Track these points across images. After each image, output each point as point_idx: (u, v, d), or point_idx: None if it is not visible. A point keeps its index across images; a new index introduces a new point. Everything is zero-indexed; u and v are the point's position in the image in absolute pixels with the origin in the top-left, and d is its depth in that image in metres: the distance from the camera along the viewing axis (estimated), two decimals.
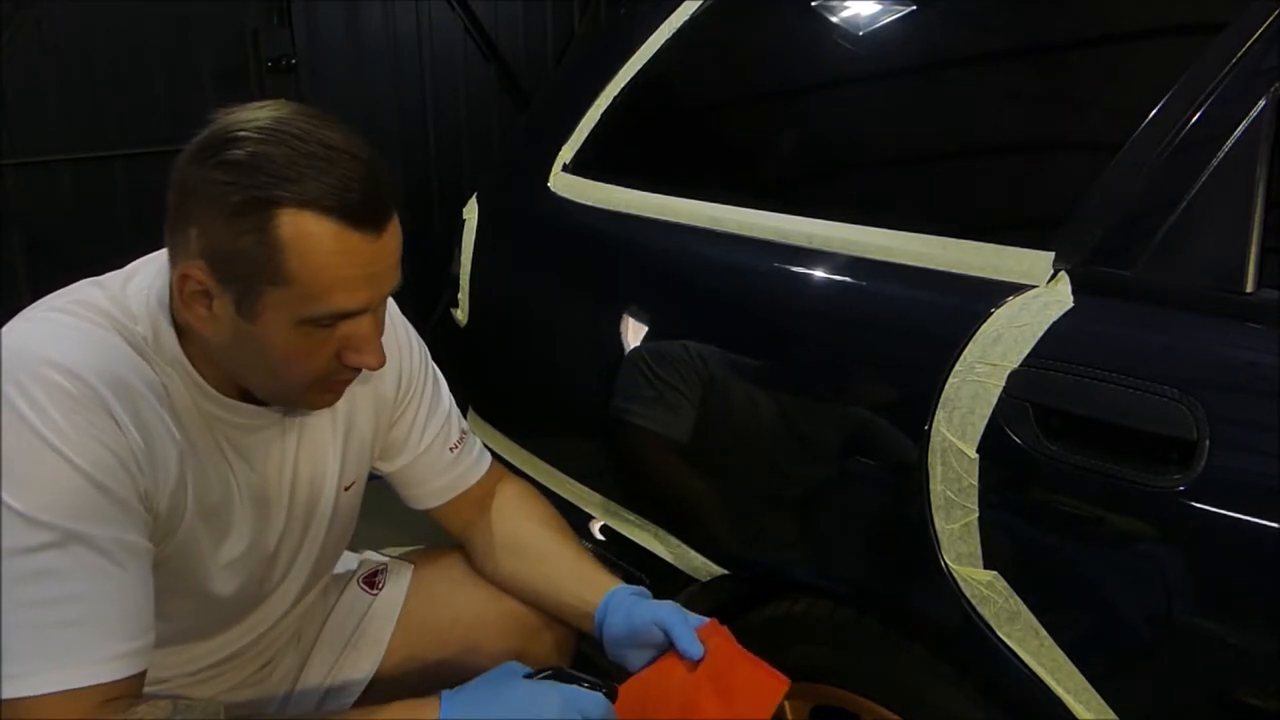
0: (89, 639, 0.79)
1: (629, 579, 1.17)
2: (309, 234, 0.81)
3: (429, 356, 1.17)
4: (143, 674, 0.83)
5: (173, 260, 0.86)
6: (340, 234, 0.81)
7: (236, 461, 0.96)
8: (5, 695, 0.76)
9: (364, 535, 1.32)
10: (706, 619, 1.01)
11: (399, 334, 1.12)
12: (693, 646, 0.97)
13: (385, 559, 1.26)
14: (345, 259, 0.82)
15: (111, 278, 0.93)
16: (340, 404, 1.01)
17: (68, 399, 0.79)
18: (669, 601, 1.03)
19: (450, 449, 1.17)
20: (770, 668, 0.98)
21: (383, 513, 1.27)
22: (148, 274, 0.92)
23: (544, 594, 1.13)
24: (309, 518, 1.05)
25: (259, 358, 0.87)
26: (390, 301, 1.09)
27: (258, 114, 0.83)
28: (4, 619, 0.76)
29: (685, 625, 0.99)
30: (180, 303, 0.86)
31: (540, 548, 1.15)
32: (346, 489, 1.09)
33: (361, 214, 0.82)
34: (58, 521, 0.77)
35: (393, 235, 0.86)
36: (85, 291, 0.90)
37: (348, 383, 0.94)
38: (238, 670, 1.10)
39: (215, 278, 0.83)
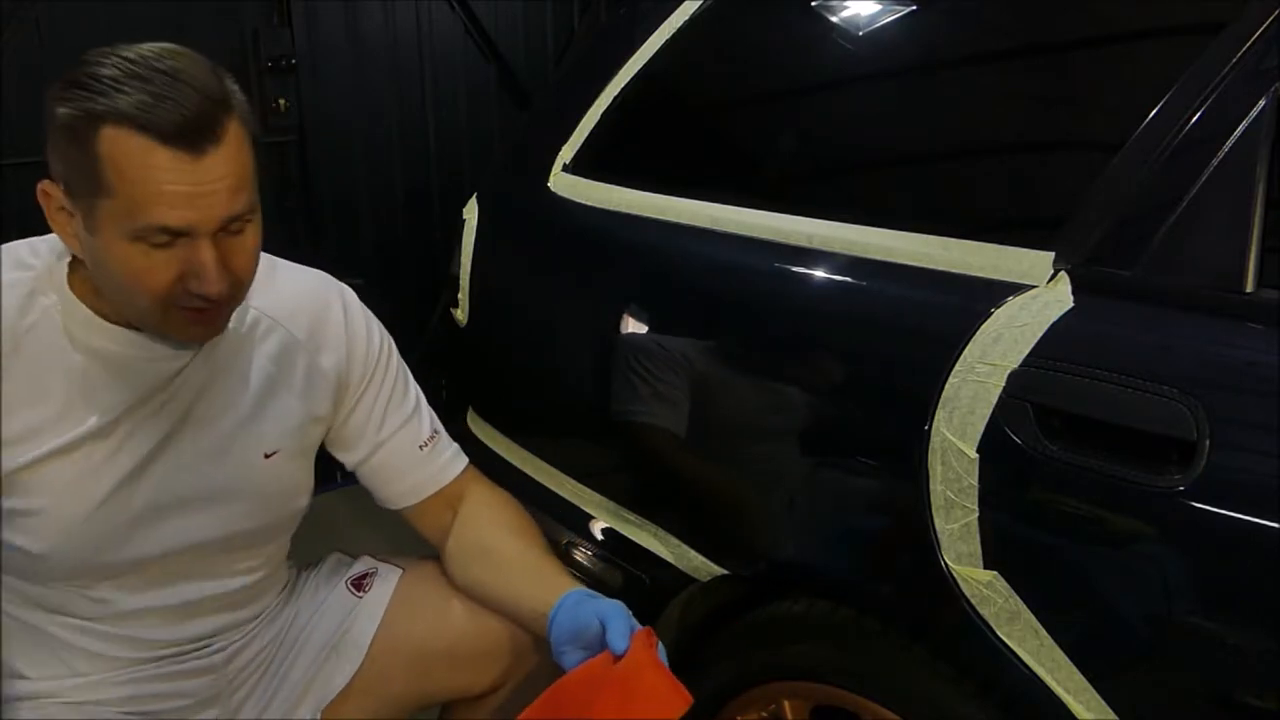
0: None
1: (629, 579, 1.17)
2: (122, 149, 0.84)
3: (395, 351, 1.19)
4: None
5: None
6: (150, 149, 0.84)
7: (120, 390, 0.97)
8: None
9: (350, 540, 1.33)
10: (644, 627, 1.01)
11: (355, 321, 1.14)
12: (620, 641, 0.97)
13: (377, 564, 1.25)
14: (159, 174, 0.85)
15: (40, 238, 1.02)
16: (263, 366, 1.06)
17: None
18: (616, 601, 1.03)
19: (420, 446, 1.17)
20: (679, 684, 0.97)
21: (370, 520, 1.27)
22: None
23: (505, 600, 1.13)
24: (211, 469, 1.04)
25: (109, 275, 0.91)
26: (349, 291, 1.15)
27: (125, 47, 0.89)
28: None
29: (622, 620, 1.00)
30: (52, 219, 0.92)
31: (505, 554, 1.15)
32: (267, 456, 1.08)
33: (173, 132, 0.84)
34: None
35: (221, 160, 0.87)
36: (11, 244, 1.00)
37: (204, 314, 0.93)
38: (177, 635, 1.09)
39: (65, 193, 0.89)
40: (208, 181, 0.87)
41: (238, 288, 0.94)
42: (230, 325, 1.00)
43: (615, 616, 1.00)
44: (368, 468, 1.17)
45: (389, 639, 1.18)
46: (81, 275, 0.96)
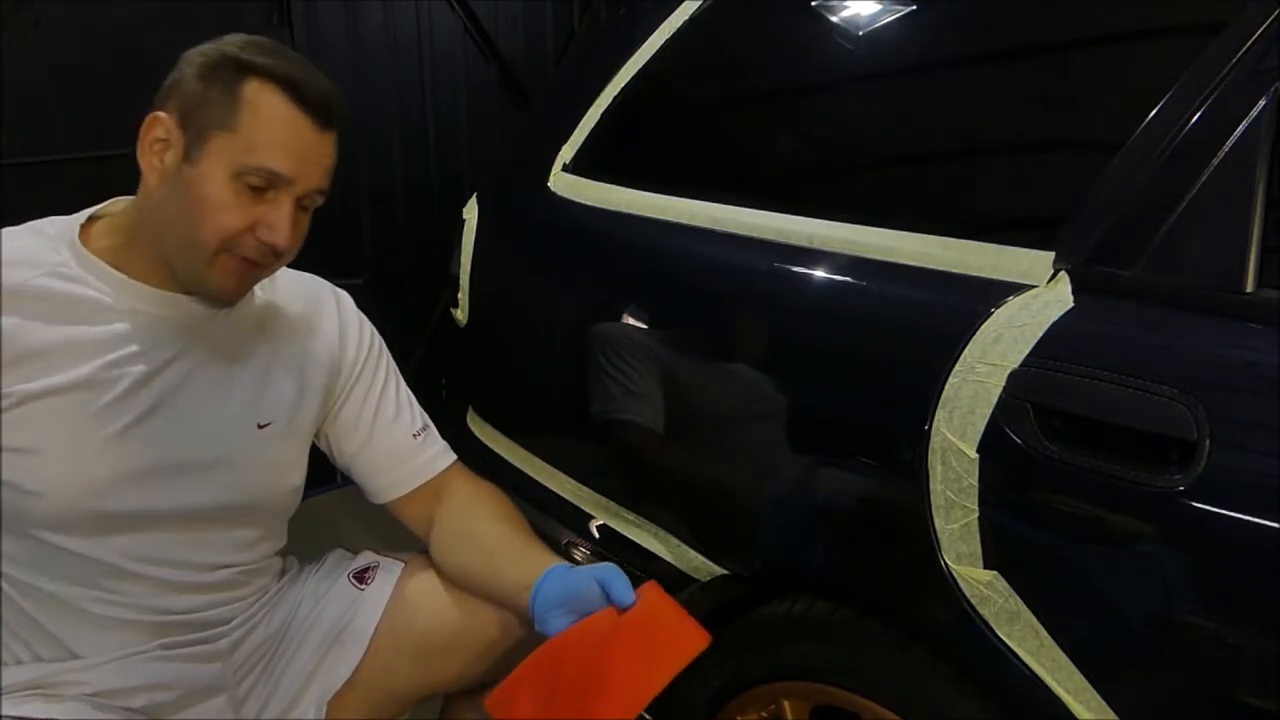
0: None
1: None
2: (267, 99, 0.97)
3: (385, 349, 1.25)
4: None
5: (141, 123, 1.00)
6: (291, 108, 0.98)
7: (126, 343, 1.02)
8: None
9: (349, 540, 1.33)
10: (649, 580, 1.05)
11: (348, 314, 1.22)
12: (627, 594, 1.01)
13: (379, 558, 1.26)
14: (289, 128, 0.98)
15: None
16: (262, 345, 1.12)
17: None
18: (610, 563, 1.06)
19: (413, 435, 1.22)
20: (696, 623, 1.00)
21: (368, 520, 1.28)
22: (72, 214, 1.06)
23: (489, 580, 1.15)
24: (206, 434, 1.07)
25: (184, 207, 0.98)
26: (344, 294, 1.22)
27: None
28: None
29: (623, 577, 1.04)
30: (142, 149, 0.99)
31: (488, 537, 1.17)
32: (260, 427, 1.11)
33: (314, 103, 0.99)
34: None
35: (332, 143, 1.02)
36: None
37: (250, 266, 1.01)
38: (180, 608, 1.10)
39: (177, 122, 0.98)
40: (319, 152, 1.00)
41: (289, 252, 1.02)
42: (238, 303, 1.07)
43: (616, 574, 1.04)
44: (363, 457, 1.21)
45: (391, 630, 1.18)
46: (104, 229, 1.03)
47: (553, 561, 1.10)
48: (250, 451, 1.11)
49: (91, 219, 1.05)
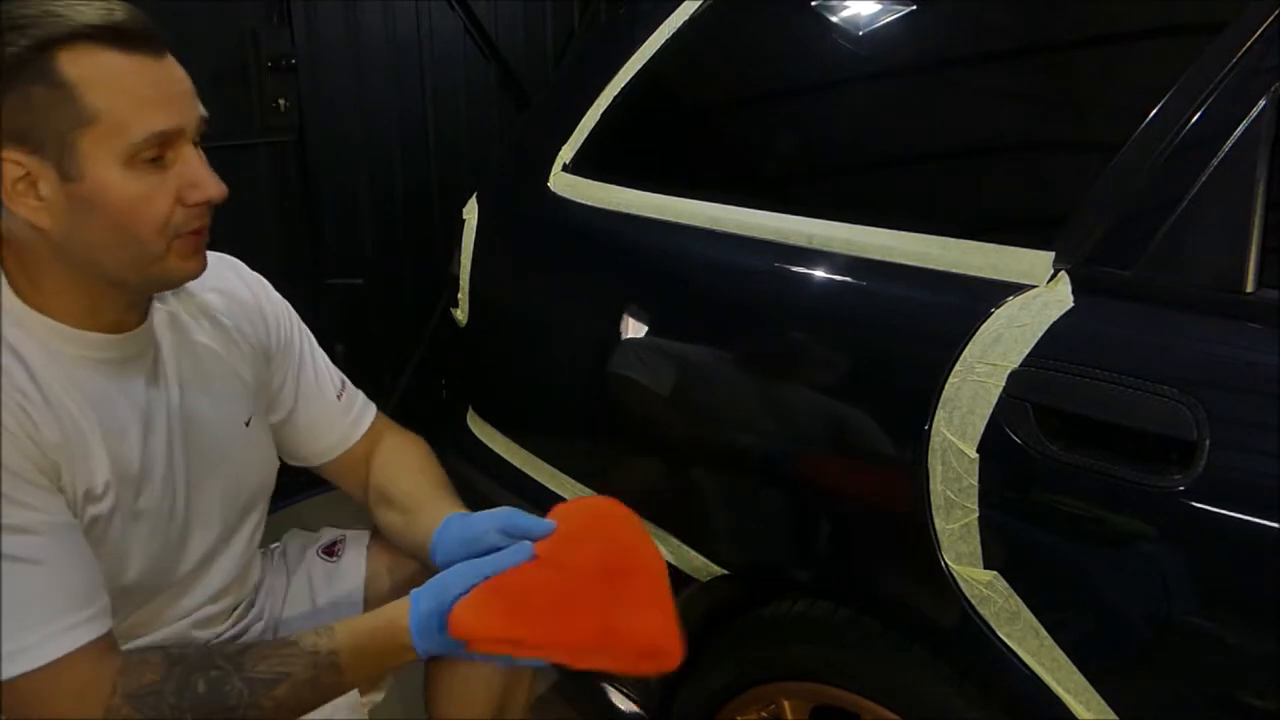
0: (54, 614, 0.84)
1: None
2: (91, 64, 0.82)
3: (293, 309, 1.20)
4: (109, 634, 0.88)
5: None
6: (119, 57, 0.83)
7: (112, 401, 0.94)
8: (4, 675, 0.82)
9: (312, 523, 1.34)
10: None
11: (257, 287, 1.15)
12: (541, 524, 1.00)
13: (341, 531, 1.27)
14: (137, 79, 0.84)
15: None
16: (208, 346, 1.05)
17: None
18: (505, 506, 1.04)
19: (337, 396, 1.20)
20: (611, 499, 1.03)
21: (362, 522, 1.28)
22: None
23: (408, 542, 1.14)
24: (210, 445, 1.05)
25: (105, 223, 0.86)
26: (238, 262, 1.15)
27: None
28: None
29: (523, 515, 1.02)
30: (9, 200, 0.85)
31: (402, 498, 1.16)
32: (246, 424, 1.09)
33: (132, 36, 0.84)
34: None
35: (172, 60, 0.88)
36: None
37: (201, 235, 0.92)
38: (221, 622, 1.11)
39: (28, 151, 0.83)
40: (175, 81, 0.87)
41: (223, 195, 0.91)
42: (164, 316, 1.01)
43: (515, 514, 1.02)
44: (291, 426, 1.18)
45: (377, 592, 1.20)
46: (37, 282, 0.89)
47: (453, 510, 1.08)
48: (246, 450, 1.10)
49: None
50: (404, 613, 0.94)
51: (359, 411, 1.22)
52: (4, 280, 0.90)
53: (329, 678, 0.93)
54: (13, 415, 0.84)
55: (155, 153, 0.86)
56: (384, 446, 1.22)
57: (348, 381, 1.23)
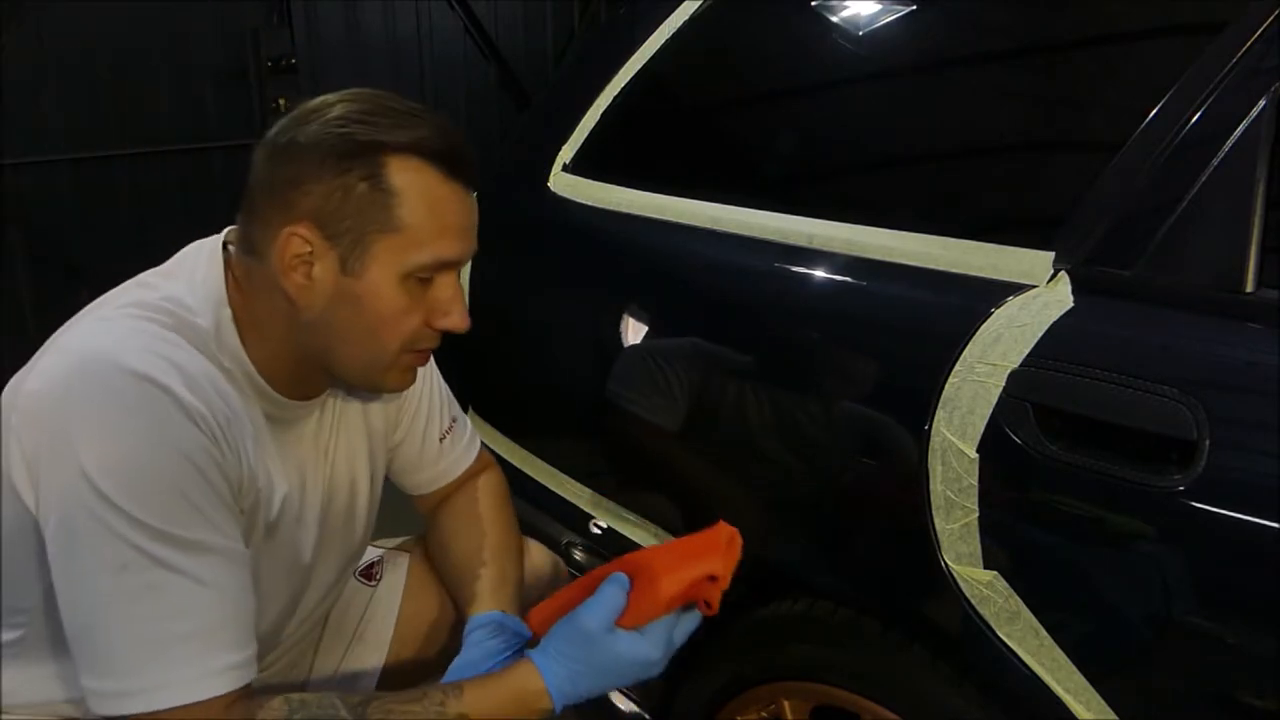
0: (208, 650, 0.79)
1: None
2: (420, 182, 0.85)
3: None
4: (251, 684, 0.84)
5: (265, 234, 0.86)
6: (445, 181, 0.86)
7: (279, 459, 0.95)
8: (134, 711, 0.77)
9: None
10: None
11: None
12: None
13: (380, 550, 1.26)
14: (450, 206, 0.87)
15: (152, 276, 0.92)
16: (358, 401, 1.04)
17: (149, 405, 0.79)
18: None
19: (440, 439, 1.17)
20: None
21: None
22: (196, 266, 0.91)
23: (454, 600, 1.15)
24: (345, 514, 1.06)
25: (359, 323, 0.87)
26: None
27: (331, 95, 0.88)
28: (117, 633, 0.77)
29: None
30: (280, 270, 0.85)
31: (457, 559, 1.15)
32: (372, 483, 1.10)
33: (460, 162, 0.88)
34: (166, 528, 0.77)
35: (475, 199, 0.91)
36: (135, 294, 0.89)
37: (426, 357, 0.95)
38: (270, 670, 1.10)
39: (323, 234, 0.84)
40: (473, 215, 0.91)
41: (465, 330, 0.94)
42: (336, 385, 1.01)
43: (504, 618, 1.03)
44: (391, 462, 1.17)
45: (406, 623, 1.19)
46: (256, 339, 0.90)
47: (487, 608, 1.07)
48: (369, 513, 1.10)
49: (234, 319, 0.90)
50: (536, 677, 0.90)
51: (457, 457, 1.19)
52: (234, 320, 0.89)
53: None
54: (213, 438, 0.82)
55: (431, 274, 0.88)
56: (460, 495, 1.20)
57: (459, 419, 1.20)
